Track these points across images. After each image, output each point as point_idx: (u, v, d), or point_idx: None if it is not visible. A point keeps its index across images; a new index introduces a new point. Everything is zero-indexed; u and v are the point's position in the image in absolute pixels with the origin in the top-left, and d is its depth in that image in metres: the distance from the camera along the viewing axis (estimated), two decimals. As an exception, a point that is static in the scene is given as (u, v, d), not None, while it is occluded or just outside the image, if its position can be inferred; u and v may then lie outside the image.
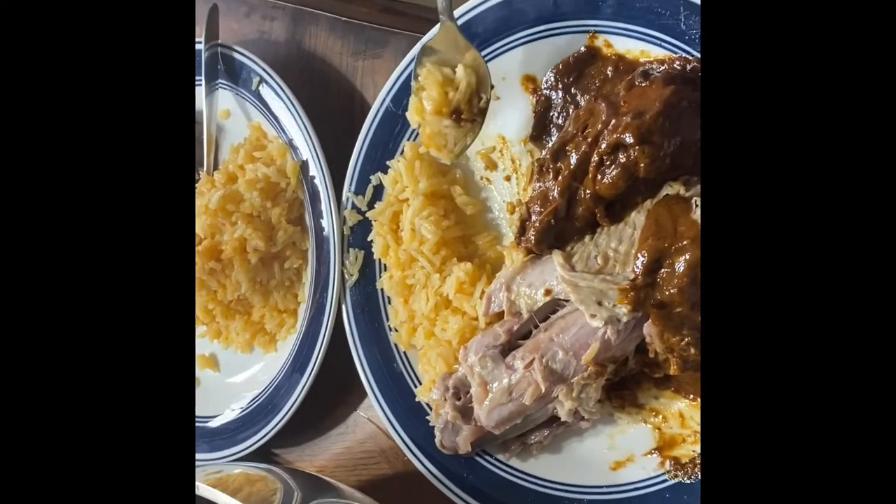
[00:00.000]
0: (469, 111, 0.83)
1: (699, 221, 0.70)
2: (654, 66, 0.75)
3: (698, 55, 0.75)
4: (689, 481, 0.76)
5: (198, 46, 1.05)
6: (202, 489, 0.71)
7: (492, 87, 0.84)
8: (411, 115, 0.85)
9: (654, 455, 0.80)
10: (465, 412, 0.84)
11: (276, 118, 1.02)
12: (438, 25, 0.85)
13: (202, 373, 1.12)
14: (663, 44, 0.77)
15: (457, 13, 0.86)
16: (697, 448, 0.77)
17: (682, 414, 0.79)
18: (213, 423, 1.07)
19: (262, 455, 1.06)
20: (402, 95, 0.91)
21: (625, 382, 0.82)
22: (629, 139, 0.70)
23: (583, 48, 0.82)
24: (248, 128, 1.06)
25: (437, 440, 0.87)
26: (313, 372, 0.96)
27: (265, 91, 1.01)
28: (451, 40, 0.84)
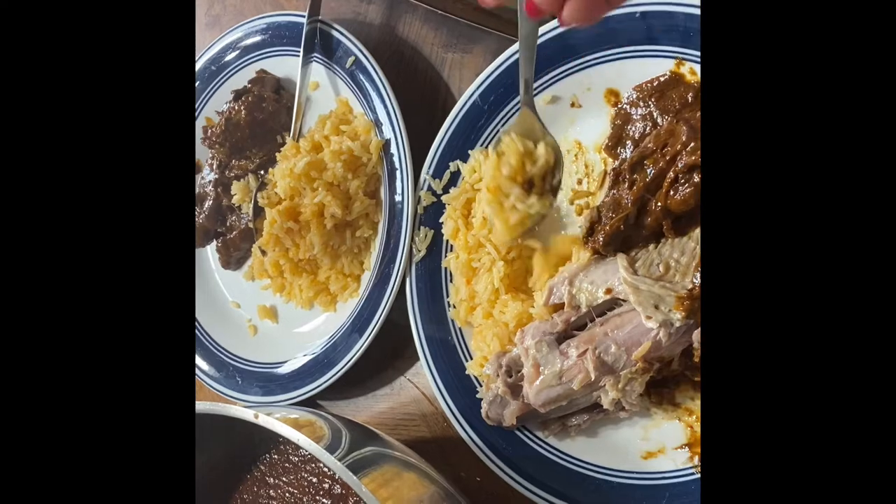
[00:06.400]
0: (541, 185, 0.89)
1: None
2: (735, 99, 0.81)
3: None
4: (714, 477, 0.84)
5: (300, 20, 1.13)
6: (263, 419, 0.78)
7: (563, 171, 0.90)
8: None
9: (685, 450, 0.87)
10: (515, 389, 0.91)
11: (364, 96, 1.09)
12: (518, 112, 0.91)
13: (262, 322, 1.21)
14: (745, 79, 0.83)
15: (555, 23, 0.93)
16: (726, 448, 0.85)
17: (715, 416, 0.86)
18: (281, 370, 1.15)
19: (309, 406, 1.13)
20: (491, 92, 0.99)
21: (665, 381, 0.88)
22: (706, 163, 0.77)
23: (668, 72, 0.88)
24: (335, 101, 1.13)
25: (483, 411, 0.94)
26: (372, 334, 1.04)
27: (357, 69, 1.09)
28: (529, 125, 0.89)
